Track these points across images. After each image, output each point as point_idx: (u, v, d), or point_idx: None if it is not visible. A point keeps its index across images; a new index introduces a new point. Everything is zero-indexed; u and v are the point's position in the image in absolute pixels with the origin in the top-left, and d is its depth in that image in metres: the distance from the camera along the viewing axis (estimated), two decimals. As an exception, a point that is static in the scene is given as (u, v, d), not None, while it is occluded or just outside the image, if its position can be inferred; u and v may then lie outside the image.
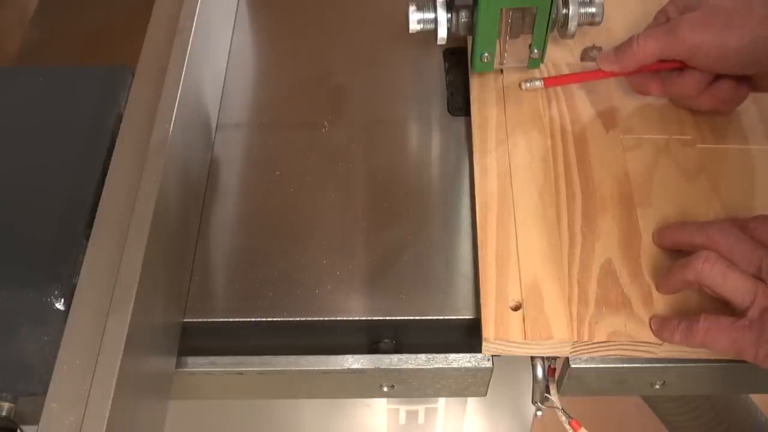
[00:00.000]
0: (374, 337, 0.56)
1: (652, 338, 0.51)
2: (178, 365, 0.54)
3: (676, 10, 0.61)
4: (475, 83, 0.66)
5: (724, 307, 0.50)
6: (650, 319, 0.52)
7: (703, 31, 0.57)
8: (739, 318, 0.48)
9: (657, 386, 0.55)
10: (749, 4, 0.57)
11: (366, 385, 0.55)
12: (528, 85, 0.64)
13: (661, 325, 0.51)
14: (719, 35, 0.57)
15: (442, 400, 0.73)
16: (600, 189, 0.59)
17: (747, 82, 0.61)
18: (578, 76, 0.65)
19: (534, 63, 0.65)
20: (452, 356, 0.54)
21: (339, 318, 0.55)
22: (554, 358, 0.55)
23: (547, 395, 0.56)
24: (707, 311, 0.50)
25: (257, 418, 0.77)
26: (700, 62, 0.59)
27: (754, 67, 0.58)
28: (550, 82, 0.64)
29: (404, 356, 0.54)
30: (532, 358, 0.55)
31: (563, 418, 0.56)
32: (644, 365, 0.53)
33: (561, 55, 0.68)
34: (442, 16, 0.62)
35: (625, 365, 0.53)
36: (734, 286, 0.49)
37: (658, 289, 0.53)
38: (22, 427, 0.51)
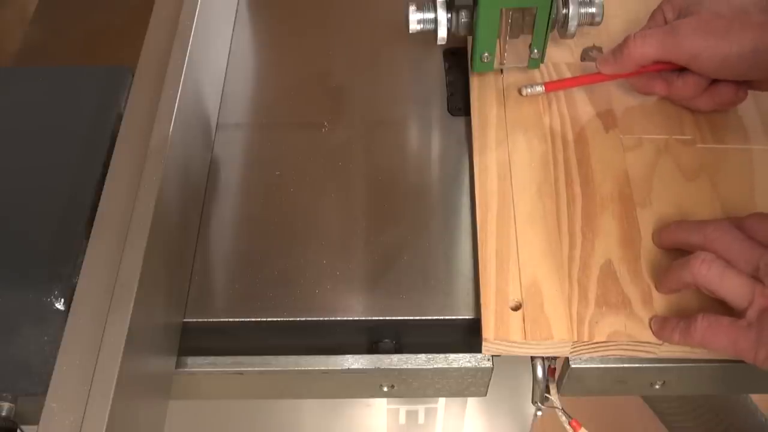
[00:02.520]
0: (374, 337, 0.56)
1: (652, 338, 0.51)
2: (178, 365, 0.54)
3: (672, 10, 0.61)
4: (475, 83, 0.66)
5: (724, 307, 0.50)
6: (650, 319, 0.52)
7: (702, 37, 0.57)
8: (739, 318, 0.48)
9: (657, 386, 0.55)
10: (746, 11, 0.57)
11: (366, 385, 0.55)
12: (529, 90, 0.64)
13: (660, 325, 0.51)
14: (719, 43, 0.56)
15: (442, 400, 0.73)
16: (600, 189, 0.59)
17: (746, 83, 0.61)
18: (579, 80, 0.65)
19: (534, 63, 0.65)
20: (452, 356, 0.54)
21: (339, 318, 0.55)
22: (554, 358, 0.55)
23: (547, 395, 0.56)
24: (707, 311, 0.50)
25: (257, 418, 0.77)
26: (699, 68, 0.58)
27: (756, 74, 0.58)
28: (551, 86, 0.64)
29: (404, 356, 0.54)
30: (532, 358, 0.55)
31: (563, 418, 0.56)
32: (644, 365, 0.53)
33: (561, 55, 0.68)
34: (442, 16, 0.62)
35: (625, 365, 0.53)
36: (731, 287, 0.49)
37: (657, 289, 0.53)
38: (22, 427, 0.51)
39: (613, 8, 0.69)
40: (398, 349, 0.56)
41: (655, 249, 0.55)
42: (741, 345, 0.47)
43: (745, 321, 0.48)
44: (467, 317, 0.55)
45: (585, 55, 0.68)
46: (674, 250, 0.54)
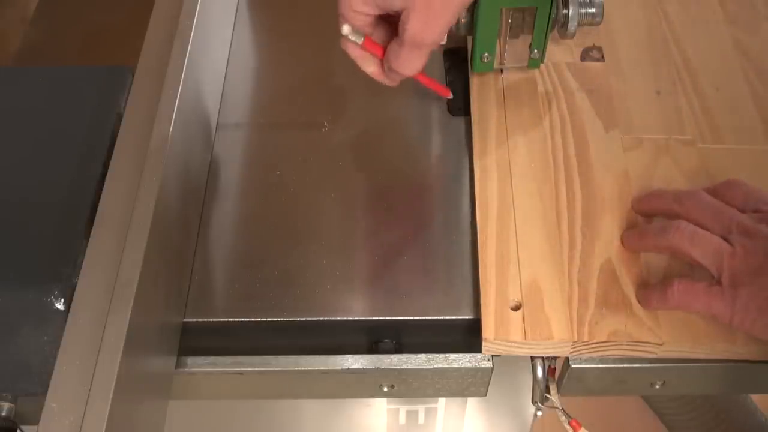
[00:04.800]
0: (374, 337, 0.56)
1: (652, 338, 0.51)
2: (178, 365, 0.54)
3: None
4: (475, 83, 0.66)
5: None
6: (636, 291, 0.53)
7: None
8: (715, 282, 0.50)
9: (657, 386, 0.55)
10: None
11: (366, 385, 0.55)
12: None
13: (642, 294, 0.52)
14: None
15: (442, 400, 0.73)
16: (600, 189, 0.59)
17: None
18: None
19: (534, 63, 0.65)
20: (452, 356, 0.54)
21: (339, 318, 0.55)
22: (554, 358, 0.55)
23: (547, 395, 0.56)
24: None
25: (257, 418, 0.77)
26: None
27: None
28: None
29: (404, 356, 0.54)
30: (532, 358, 0.55)
31: (563, 418, 0.56)
32: (644, 365, 0.53)
33: (561, 55, 0.68)
34: (442, 16, 0.62)
35: (625, 365, 0.53)
36: (702, 249, 0.50)
37: (624, 245, 0.55)
38: (22, 427, 0.51)
39: (613, 8, 0.69)
40: (398, 349, 0.56)
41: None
42: (716, 309, 0.49)
43: (719, 287, 0.49)
44: (467, 317, 0.55)
45: (585, 55, 0.68)
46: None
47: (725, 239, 0.50)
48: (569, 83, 0.66)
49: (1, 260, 0.49)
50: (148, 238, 0.48)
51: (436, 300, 0.55)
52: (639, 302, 0.52)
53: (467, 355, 0.54)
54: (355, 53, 0.57)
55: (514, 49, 0.64)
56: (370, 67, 0.57)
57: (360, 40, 0.55)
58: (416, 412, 0.75)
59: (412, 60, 0.53)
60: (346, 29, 0.54)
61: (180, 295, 0.55)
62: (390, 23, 0.55)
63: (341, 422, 0.76)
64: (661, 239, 0.53)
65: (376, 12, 0.53)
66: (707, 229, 0.51)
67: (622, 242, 0.55)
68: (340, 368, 0.54)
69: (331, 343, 0.56)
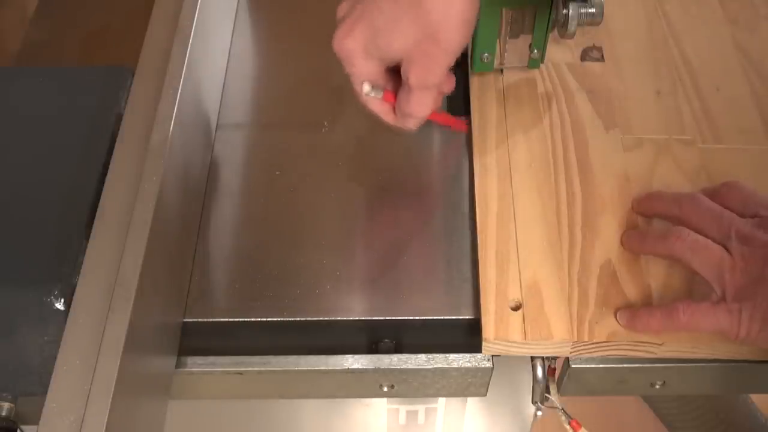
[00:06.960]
0: (374, 337, 0.56)
1: (652, 338, 0.51)
2: (178, 365, 0.54)
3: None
4: (475, 83, 0.66)
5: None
6: (615, 313, 0.52)
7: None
8: (716, 297, 0.50)
9: (657, 386, 0.55)
10: None
11: (366, 385, 0.55)
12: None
13: (630, 318, 0.51)
14: None
15: (442, 400, 0.73)
16: (600, 189, 0.59)
17: None
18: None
19: (534, 63, 0.65)
20: (452, 356, 0.54)
21: (339, 318, 0.55)
22: (554, 358, 0.55)
23: (547, 395, 0.56)
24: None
25: (257, 418, 0.77)
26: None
27: None
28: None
29: (404, 356, 0.54)
30: (532, 358, 0.55)
31: (563, 418, 0.56)
32: (644, 365, 0.53)
33: (561, 55, 0.68)
34: (442, 16, 0.62)
35: (625, 365, 0.53)
36: (702, 260, 0.50)
37: (624, 247, 0.55)
38: (22, 427, 0.51)
39: (613, 8, 0.69)
40: (398, 349, 0.56)
41: (655, 249, 0.55)
42: (724, 326, 0.49)
43: (725, 304, 0.49)
44: (467, 317, 0.55)
45: (585, 55, 0.68)
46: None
47: (724, 245, 0.50)
48: (569, 83, 0.66)
49: (1, 260, 0.49)
50: (148, 238, 0.48)
51: (436, 300, 0.55)
52: (625, 327, 0.51)
53: (467, 355, 0.54)
54: (376, 107, 0.58)
55: (514, 49, 0.64)
56: (389, 116, 0.58)
57: (380, 95, 0.56)
58: (416, 412, 0.75)
59: (423, 101, 0.54)
60: (366, 88, 0.55)
61: (180, 295, 0.55)
62: (398, 71, 0.55)
63: (341, 422, 0.76)
64: (661, 246, 0.53)
65: (380, 66, 0.55)
66: (706, 234, 0.51)
67: (622, 243, 0.55)
68: (340, 368, 0.54)
69: (331, 343, 0.56)
